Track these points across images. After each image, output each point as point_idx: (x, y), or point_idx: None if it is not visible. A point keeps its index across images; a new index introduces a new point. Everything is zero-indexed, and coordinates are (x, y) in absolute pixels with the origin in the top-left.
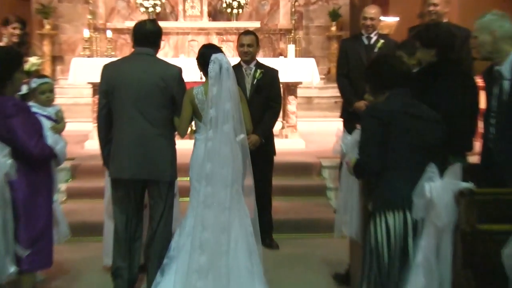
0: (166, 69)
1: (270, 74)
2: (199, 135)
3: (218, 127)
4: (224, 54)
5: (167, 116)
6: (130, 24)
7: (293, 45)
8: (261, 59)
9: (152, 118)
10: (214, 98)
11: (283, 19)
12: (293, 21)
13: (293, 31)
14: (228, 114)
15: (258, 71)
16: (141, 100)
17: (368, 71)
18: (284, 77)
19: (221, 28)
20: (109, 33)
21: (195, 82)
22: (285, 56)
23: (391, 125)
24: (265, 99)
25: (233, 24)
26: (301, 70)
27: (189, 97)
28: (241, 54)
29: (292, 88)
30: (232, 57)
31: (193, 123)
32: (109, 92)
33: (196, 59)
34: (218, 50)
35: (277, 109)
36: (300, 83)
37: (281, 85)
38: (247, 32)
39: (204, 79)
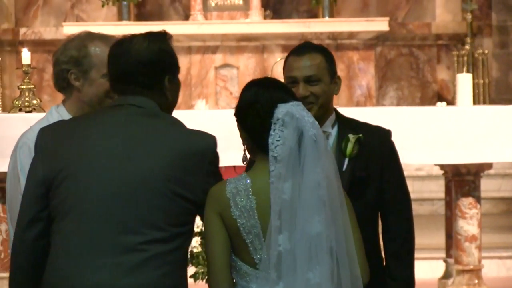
0: (186, 143)
1: (377, 142)
2: None
3: (295, 275)
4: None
5: (182, 250)
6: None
7: (469, 75)
8: (382, 109)
9: (146, 257)
10: (286, 208)
11: (443, 14)
12: (469, 17)
13: (468, 40)
14: (319, 247)
15: (351, 137)
16: (122, 213)
17: None
18: (446, 155)
19: (294, 34)
20: (25, 54)
21: (226, 169)
22: (449, 100)
23: None
24: (370, 204)
25: (324, 25)
26: (488, 136)
27: (217, 206)
28: None
29: (467, 180)
30: None
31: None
32: (53, 187)
33: (235, 114)
34: (289, 93)
35: (406, 232)
36: (488, 166)
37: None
38: (304, 47)
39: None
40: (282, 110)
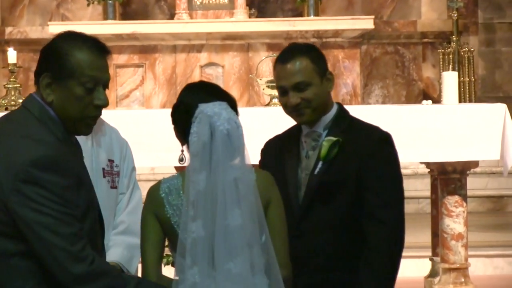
0: (15, 152)
1: (360, 144)
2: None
3: (214, 264)
4: (234, 105)
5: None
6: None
7: (454, 72)
8: (367, 107)
9: None
10: (200, 199)
11: (428, 12)
12: (455, 15)
13: (454, 38)
14: (239, 238)
15: (326, 140)
16: None
17: None
18: (432, 153)
19: (279, 33)
20: (11, 53)
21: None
22: (435, 98)
23: None
24: (342, 209)
25: (309, 23)
26: (474, 134)
27: (152, 205)
28: (286, 110)
29: (453, 178)
30: None
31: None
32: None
33: (171, 114)
34: (215, 94)
35: (383, 242)
36: (475, 164)
37: (398, 171)
38: (287, 52)
39: (186, 163)
40: (200, 109)
